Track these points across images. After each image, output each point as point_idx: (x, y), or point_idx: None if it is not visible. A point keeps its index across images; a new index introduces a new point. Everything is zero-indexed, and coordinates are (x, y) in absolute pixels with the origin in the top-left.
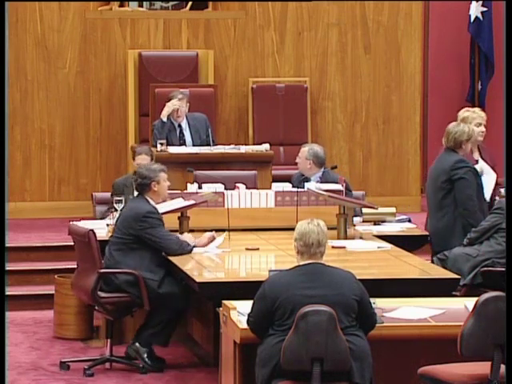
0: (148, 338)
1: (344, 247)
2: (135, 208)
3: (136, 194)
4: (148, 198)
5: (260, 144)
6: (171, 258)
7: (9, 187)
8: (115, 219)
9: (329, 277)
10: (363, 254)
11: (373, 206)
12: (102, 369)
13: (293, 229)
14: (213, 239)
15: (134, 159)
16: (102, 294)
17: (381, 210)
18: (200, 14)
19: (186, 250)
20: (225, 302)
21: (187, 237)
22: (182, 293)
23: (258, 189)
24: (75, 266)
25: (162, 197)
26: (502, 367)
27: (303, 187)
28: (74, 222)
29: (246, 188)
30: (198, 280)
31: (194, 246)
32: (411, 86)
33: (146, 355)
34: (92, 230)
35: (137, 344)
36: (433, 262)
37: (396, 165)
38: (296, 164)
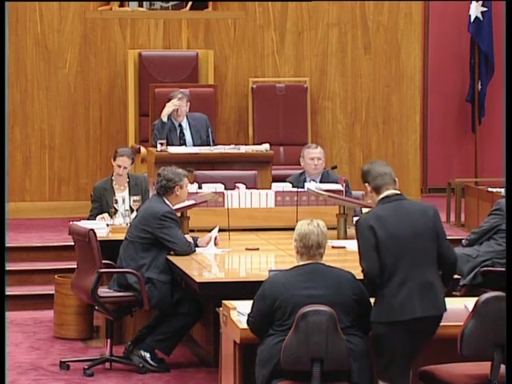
0: (152, 343)
1: (344, 247)
2: (154, 207)
3: (152, 194)
4: (166, 200)
5: (260, 144)
6: (171, 258)
7: (9, 187)
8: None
9: (329, 277)
10: None
11: (373, 206)
12: (102, 369)
13: (293, 229)
14: (210, 239)
15: (114, 159)
16: (103, 294)
17: None
18: (200, 14)
19: (193, 250)
20: (225, 302)
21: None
22: (196, 305)
23: (258, 189)
24: (75, 266)
25: (180, 201)
26: (502, 367)
27: (303, 187)
28: (74, 222)
29: (246, 188)
30: (197, 280)
31: (197, 246)
32: (411, 86)
33: (150, 359)
34: (92, 230)
35: (141, 352)
36: None
37: (396, 165)
38: (295, 164)
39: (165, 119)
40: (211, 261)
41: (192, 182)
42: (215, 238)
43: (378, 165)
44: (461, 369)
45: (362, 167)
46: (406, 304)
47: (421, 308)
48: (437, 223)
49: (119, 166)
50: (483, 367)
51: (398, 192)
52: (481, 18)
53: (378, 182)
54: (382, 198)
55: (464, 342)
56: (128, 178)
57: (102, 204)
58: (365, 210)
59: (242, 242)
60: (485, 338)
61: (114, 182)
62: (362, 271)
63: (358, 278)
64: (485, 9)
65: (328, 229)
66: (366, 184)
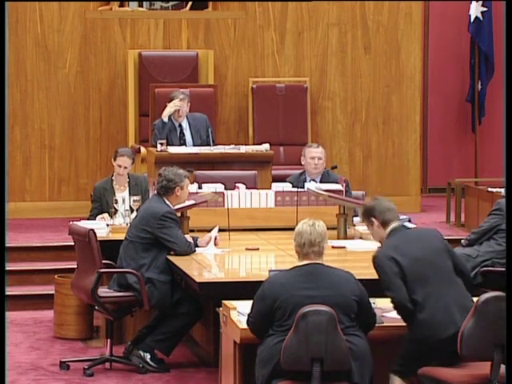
0: (152, 343)
1: (344, 247)
2: (154, 207)
3: (152, 194)
4: (166, 200)
5: (260, 144)
6: (171, 258)
7: (9, 187)
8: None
9: (328, 277)
10: (363, 253)
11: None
12: (102, 369)
13: (293, 229)
14: (210, 239)
15: (114, 159)
16: (103, 294)
17: None
18: (200, 14)
19: (193, 250)
20: (225, 302)
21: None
22: (196, 305)
23: (258, 189)
24: (75, 266)
25: (180, 202)
26: (502, 367)
27: (303, 187)
28: (74, 222)
29: (246, 188)
30: (197, 280)
31: (197, 246)
32: (411, 86)
33: (149, 359)
34: (92, 230)
35: (140, 352)
36: None
37: (396, 165)
38: (295, 164)
39: (166, 119)
40: (211, 261)
41: (192, 182)
42: (215, 238)
43: (383, 200)
44: (461, 369)
45: (365, 203)
46: (448, 320)
47: (461, 320)
48: (445, 242)
49: (119, 166)
50: (483, 367)
51: (398, 224)
52: (481, 18)
53: (386, 216)
54: (391, 231)
55: (464, 343)
56: (128, 178)
57: (102, 204)
58: None
59: (242, 242)
60: (485, 338)
61: (115, 182)
62: (392, 301)
63: (357, 278)
64: (485, 9)
65: (328, 229)
66: (373, 219)
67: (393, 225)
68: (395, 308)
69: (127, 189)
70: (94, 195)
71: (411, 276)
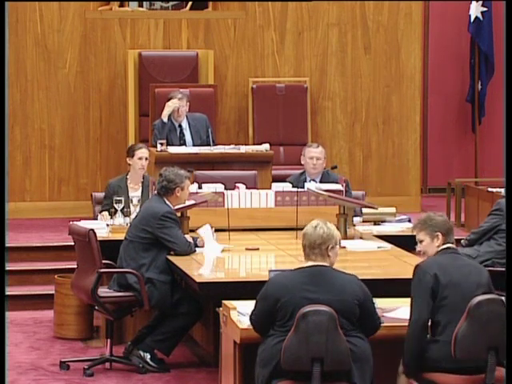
0: (152, 343)
1: (344, 247)
2: (154, 207)
3: (152, 194)
4: (166, 201)
5: (260, 144)
6: (171, 258)
7: (9, 187)
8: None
9: (331, 281)
10: (363, 253)
11: (373, 206)
12: (102, 369)
13: (293, 229)
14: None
15: (132, 156)
16: (103, 294)
17: (381, 209)
18: (200, 14)
19: (193, 250)
20: (225, 302)
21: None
22: (196, 305)
23: (258, 189)
24: (75, 266)
25: (180, 202)
26: (500, 369)
27: (303, 187)
28: (74, 222)
29: (246, 188)
30: (197, 280)
31: (196, 246)
32: (411, 86)
33: (149, 359)
34: (92, 230)
35: (140, 352)
36: None
37: (396, 165)
38: (295, 164)
39: (165, 119)
40: (211, 261)
41: (192, 182)
42: (212, 235)
43: (447, 219)
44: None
45: (431, 214)
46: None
47: None
48: (490, 283)
49: (140, 159)
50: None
51: (455, 246)
52: (481, 18)
53: (450, 237)
54: (443, 249)
55: (458, 345)
56: (143, 178)
57: (113, 201)
58: (365, 211)
59: (242, 242)
60: (478, 340)
61: (129, 181)
62: (410, 315)
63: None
64: (485, 9)
65: None
66: (439, 234)
67: (448, 244)
68: (410, 323)
69: (140, 188)
70: (107, 191)
71: (443, 297)
